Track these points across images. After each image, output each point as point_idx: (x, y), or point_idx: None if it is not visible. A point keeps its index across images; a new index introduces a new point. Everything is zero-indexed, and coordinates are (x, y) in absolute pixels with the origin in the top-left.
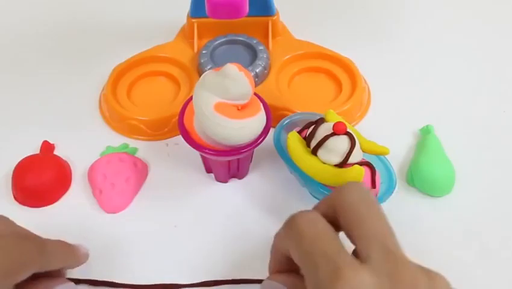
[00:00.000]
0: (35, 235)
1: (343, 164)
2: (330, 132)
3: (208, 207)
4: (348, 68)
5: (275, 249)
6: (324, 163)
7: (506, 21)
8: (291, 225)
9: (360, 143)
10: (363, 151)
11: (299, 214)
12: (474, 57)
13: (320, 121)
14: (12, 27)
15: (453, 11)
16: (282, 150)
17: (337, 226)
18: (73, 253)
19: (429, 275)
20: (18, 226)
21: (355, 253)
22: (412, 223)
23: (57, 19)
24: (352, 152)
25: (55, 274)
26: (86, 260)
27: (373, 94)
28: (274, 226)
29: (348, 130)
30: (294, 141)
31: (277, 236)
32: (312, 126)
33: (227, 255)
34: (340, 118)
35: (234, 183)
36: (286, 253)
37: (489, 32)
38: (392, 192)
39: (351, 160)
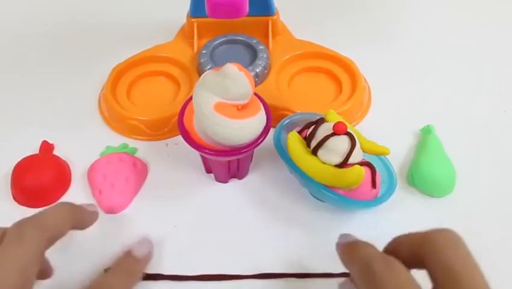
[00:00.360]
0: (31, 218)
1: (343, 164)
2: (330, 132)
3: (208, 207)
4: (348, 68)
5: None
6: (324, 163)
7: (506, 21)
8: (370, 272)
9: (360, 143)
10: (363, 151)
11: (377, 262)
12: (475, 57)
13: (320, 121)
14: (12, 27)
15: (453, 11)
16: (282, 150)
17: (419, 265)
18: (77, 217)
19: None
20: None
21: None
22: (412, 223)
23: (57, 19)
24: (352, 152)
25: None
26: (96, 219)
27: (373, 94)
28: (274, 226)
29: (348, 130)
30: (294, 141)
31: (349, 269)
32: (313, 126)
33: (227, 255)
34: (340, 118)
35: (234, 183)
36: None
37: (489, 32)
38: (392, 192)
39: (351, 160)
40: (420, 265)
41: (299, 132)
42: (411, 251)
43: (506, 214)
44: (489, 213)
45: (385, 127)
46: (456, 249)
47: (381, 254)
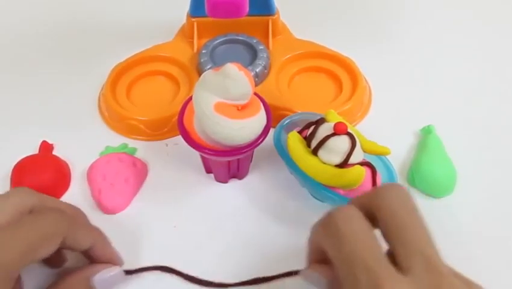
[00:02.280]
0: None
1: (344, 164)
2: (330, 132)
3: (208, 207)
4: (349, 68)
5: (311, 243)
6: (324, 163)
7: (506, 22)
8: (328, 223)
9: (361, 143)
10: (364, 151)
11: (335, 210)
12: (475, 57)
13: (321, 121)
14: (12, 27)
15: (454, 11)
16: (282, 150)
17: (373, 223)
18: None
19: (470, 286)
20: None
21: (392, 257)
22: None
23: (57, 19)
24: (352, 152)
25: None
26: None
27: (373, 94)
28: (274, 226)
29: (348, 130)
30: (294, 141)
31: (314, 231)
32: (313, 126)
33: (227, 255)
34: (340, 118)
35: (234, 183)
36: (322, 248)
37: (489, 33)
38: None
39: (352, 160)
40: (373, 222)
41: (299, 132)
42: (364, 209)
43: (506, 214)
44: (489, 213)
45: (385, 127)
46: (403, 203)
47: (340, 207)
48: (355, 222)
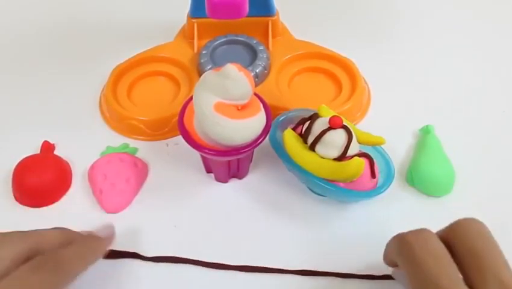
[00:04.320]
0: (48, 255)
1: (342, 157)
2: (326, 127)
3: (208, 207)
4: (348, 68)
5: (386, 261)
6: (322, 158)
7: (506, 22)
8: (403, 244)
9: (356, 135)
10: (359, 143)
11: (410, 233)
12: (474, 57)
13: (315, 116)
14: (12, 27)
15: (453, 11)
16: (278, 148)
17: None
18: (93, 253)
19: None
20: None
21: (467, 283)
22: (412, 223)
23: (57, 19)
24: (349, 144)
25: None
26: (110, 244)
27: (373, 94)
28: (274, 226)
29: (344, 123)
30: (290, 138)
31: (388, 251)
32: (308, 122)
33: (227, 255)
34: (333, 113)
35: (234, 183)
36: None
37: (489, 33)
38: (391, 181)
39: (349, 153)
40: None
41: (293, 129)
42: (441, 237)
43: (504, 213)
44: (488, 213)
45: (384, 127)
46: (479, 231)
47: (415, 230)
48: (430, 244)
